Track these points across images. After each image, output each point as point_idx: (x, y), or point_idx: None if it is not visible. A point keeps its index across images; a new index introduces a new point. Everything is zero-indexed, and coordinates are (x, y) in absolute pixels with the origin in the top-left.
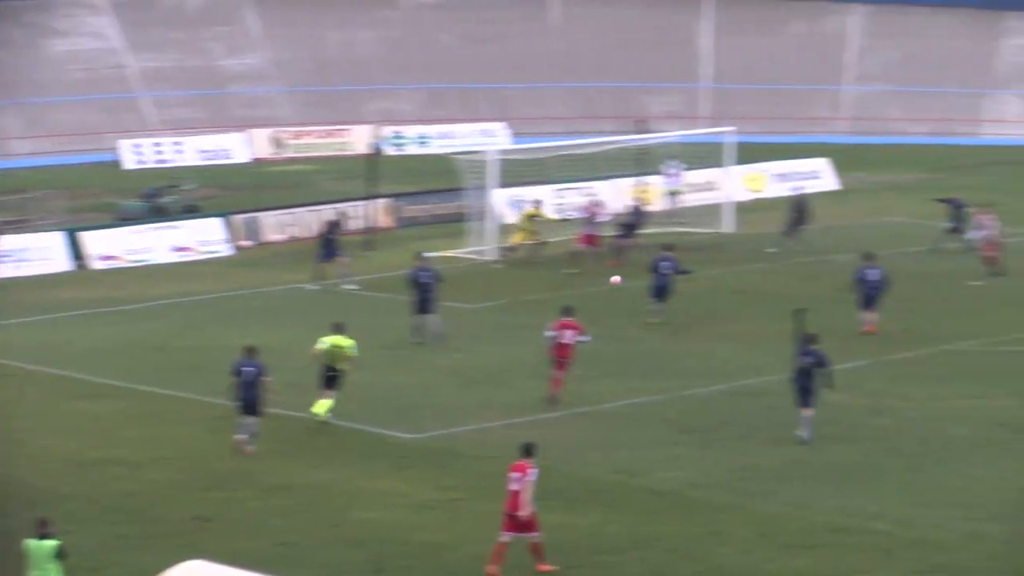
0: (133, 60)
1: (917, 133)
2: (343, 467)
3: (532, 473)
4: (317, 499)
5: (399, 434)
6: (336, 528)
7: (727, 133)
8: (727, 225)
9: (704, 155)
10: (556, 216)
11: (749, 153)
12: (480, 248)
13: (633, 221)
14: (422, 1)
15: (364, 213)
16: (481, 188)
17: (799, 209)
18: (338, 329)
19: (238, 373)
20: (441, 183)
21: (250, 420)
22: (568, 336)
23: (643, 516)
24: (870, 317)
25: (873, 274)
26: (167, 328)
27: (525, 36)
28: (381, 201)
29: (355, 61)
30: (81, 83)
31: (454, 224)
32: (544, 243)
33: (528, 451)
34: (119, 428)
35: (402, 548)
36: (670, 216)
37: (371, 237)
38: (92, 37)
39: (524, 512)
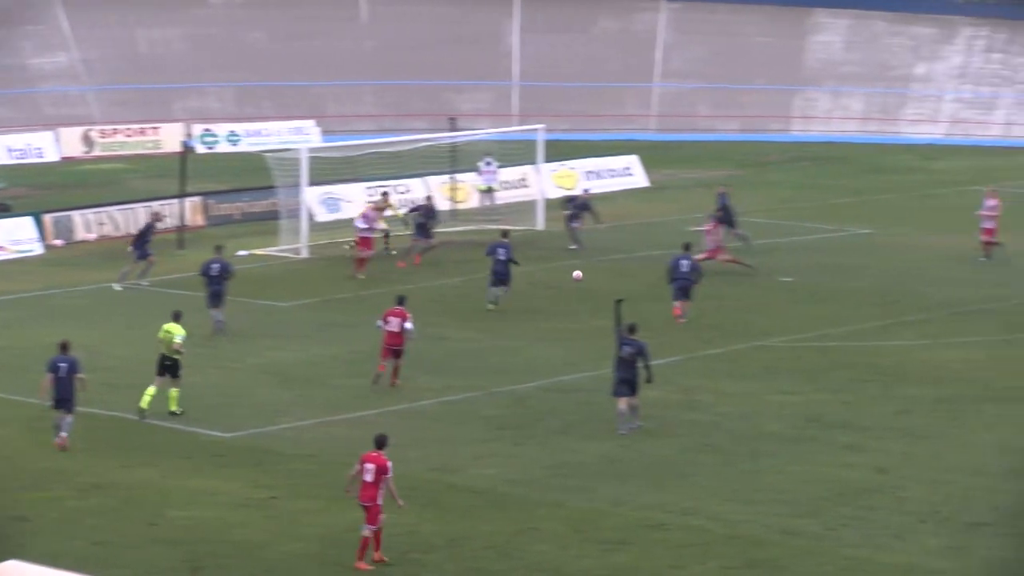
0: None
1: (727, 130)
2: (159, 466)
3: (390, 465)
4: (133, 498)
5: (215, 433)
6: (153, 527)
7: (537, 131)
8: (538, 222)
9: (515, 153)
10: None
11: (560, 150)
12: (293, 246)
13: (424, 221)
14: None
15: (175, 212)
16: (293, 186)
17: (580, 208)
18: (176, 317)
19: (54, 369)
20: (253, 181)
21: (65, 417)
22: (395, 324)
23: (459, 514)
24: (682, 305)
25: (685, 264)
26: None
27: (336, 34)
28: (192, 199)
29: (165, 59)
30: None
31: (266, 222)
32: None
33: (380, 443)
34: None
35: (219, 546)
36: (486, 213)
37: (182, 236)
38: None
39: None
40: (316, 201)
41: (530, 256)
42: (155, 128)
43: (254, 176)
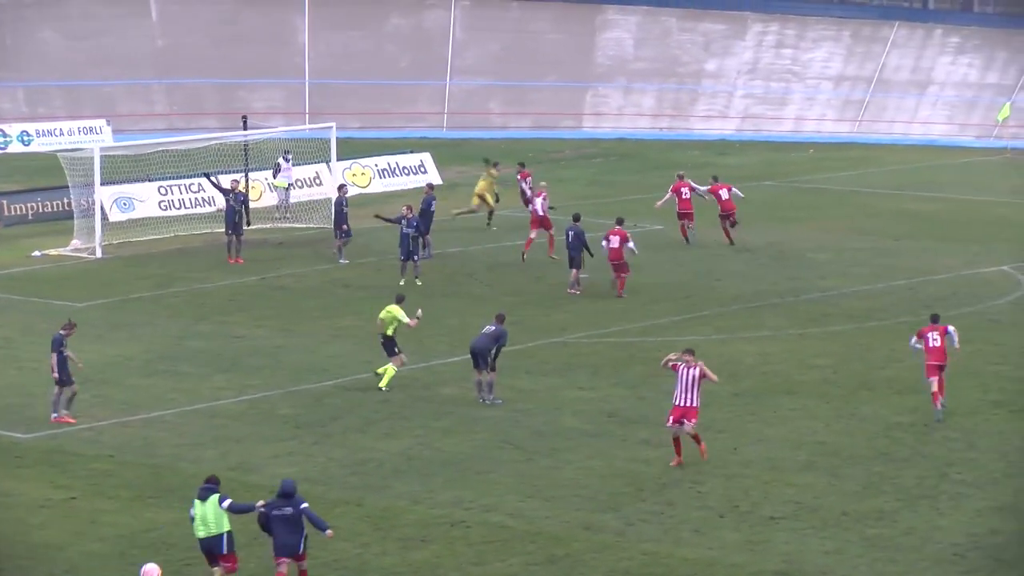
0: None
1: (519, 127)
2: None
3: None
4: None
5: (12, 434)
6: None
7: (329, 128)
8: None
9: (308, 151)
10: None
11: (353, 148)
12: (86, 245)
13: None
14: None
15: None
16: (86, 185)
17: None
18: (399, 300)
19: None
20: (46, 181)
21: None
22: (615, 241)
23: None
24: (575, 274)
25: (571, 234)
26: None
27: (127, 32)
28: None
29: None
30: None
31: (60, 222)
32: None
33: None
34: None
35: (18, 548)
36: (282, 211)
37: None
38: None
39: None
40: (109, 200)
41: (324, 255)
42: None
43: (47, 176)
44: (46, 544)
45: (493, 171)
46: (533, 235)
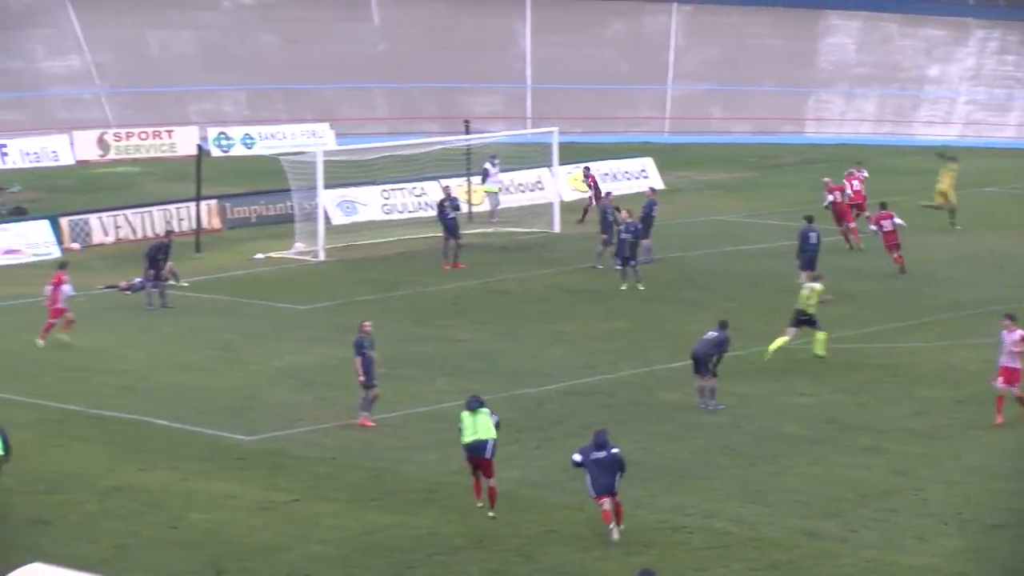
0: None
1: (740, 132)
2: (179, 469)
3: None
4: (154, 501)
5: (235, 436)
6: (174, 530)
7: (551, 133)
8: (554, 225)
9: (528, 155)
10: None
11: (574, 153)
12: (308, 248)
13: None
14: (242, 2)
15: (191, 215)
16: (308, 189)
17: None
18: (814, 279)
19: None
20: (267, 184)
21: None
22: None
23: (480, 516)
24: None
25: (813, 236)
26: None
27: (349, 37)
28: (209, 202)
29: (177, 62)
30: None
31: (282, 225)
32: None
33: None
34: None
35: (240, 550)
36: (491, 215)
37: (199, 239)
38: None
39: None
40: (332, 204)
41: (545, 259)
42: (169, 131)
43: (269, 179)
44: (268, 546)
45: (952, 165)
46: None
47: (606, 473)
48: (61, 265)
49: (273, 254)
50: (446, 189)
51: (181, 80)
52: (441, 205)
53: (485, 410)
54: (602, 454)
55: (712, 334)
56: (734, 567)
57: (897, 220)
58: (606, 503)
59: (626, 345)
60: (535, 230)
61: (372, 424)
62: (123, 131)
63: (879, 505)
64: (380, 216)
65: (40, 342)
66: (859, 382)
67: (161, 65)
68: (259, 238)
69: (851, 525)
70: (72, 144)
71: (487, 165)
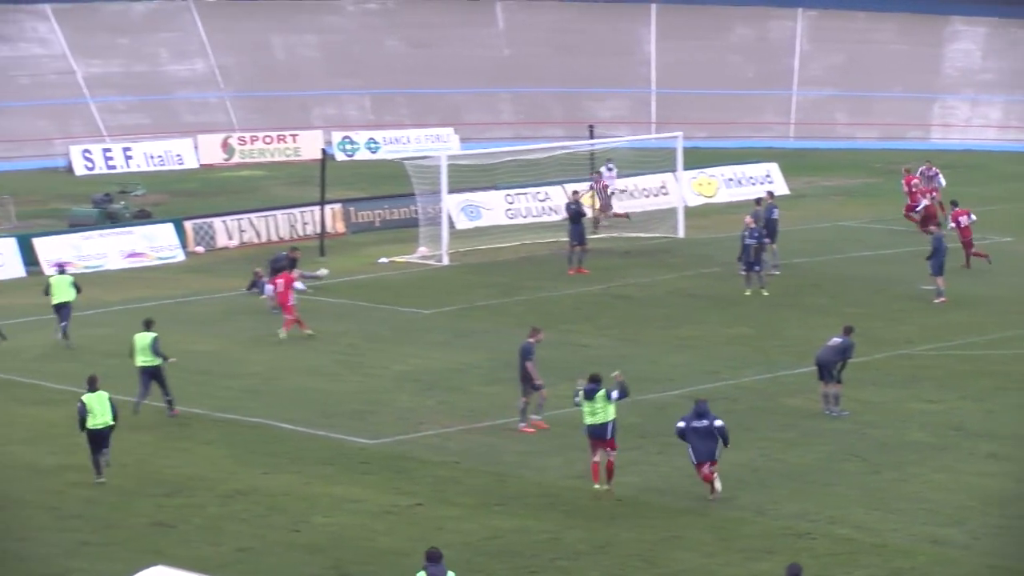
0: (78, 66)
1: (865, 137)
2: (302, 472)
3: None
4: (276, 505)
5: (358, 439)
6: (296, 534)
7: (675, 138)
8: (679, 230)
9: (652, 160)
10: None
11: (698, 158)
12: (432, 252)
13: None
14: (367, 6)
15: (315, 219)
16: (432, 193)
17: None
18: None
19: None
20: (391, 188)
21: None
22: None
23: (602, 521)
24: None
25: (943, 242)
26: (119, 334)
27: (473, 41)
28: (333, 206)
29: (301, 66)
30: (27, 89)
31: (406, 229)
32: None
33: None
34: (75, 435)
35: (363, 554)
36: (597, 222)
37: (323, 243)
38: (36, 43)
39: None
40: (456, 208)
41: (668, 264)
42: (293, 135)
43: (392, 183)
44: (390, 550)
45: None
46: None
47: (706, 441)
48: (292, 263)
49: (397, 258)
50: (574, 194)
51: (305, 84)
52: (568, 208)
53: (601, 391)
54: (703, 423)
55: (836, 340)
56: (857, 574)
57: (973, 216)
58: (705, 468)
59: (749, 351)
60: (659, 235)
61: (545, 426)
62: (247, 135)
63: (1004, 512)
64: (504, 220)
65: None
66: (985, 389)
67: (285, 69)
68: (383, 242)
69: (975, 532)
70: (196, 148)
71: (603, 169)
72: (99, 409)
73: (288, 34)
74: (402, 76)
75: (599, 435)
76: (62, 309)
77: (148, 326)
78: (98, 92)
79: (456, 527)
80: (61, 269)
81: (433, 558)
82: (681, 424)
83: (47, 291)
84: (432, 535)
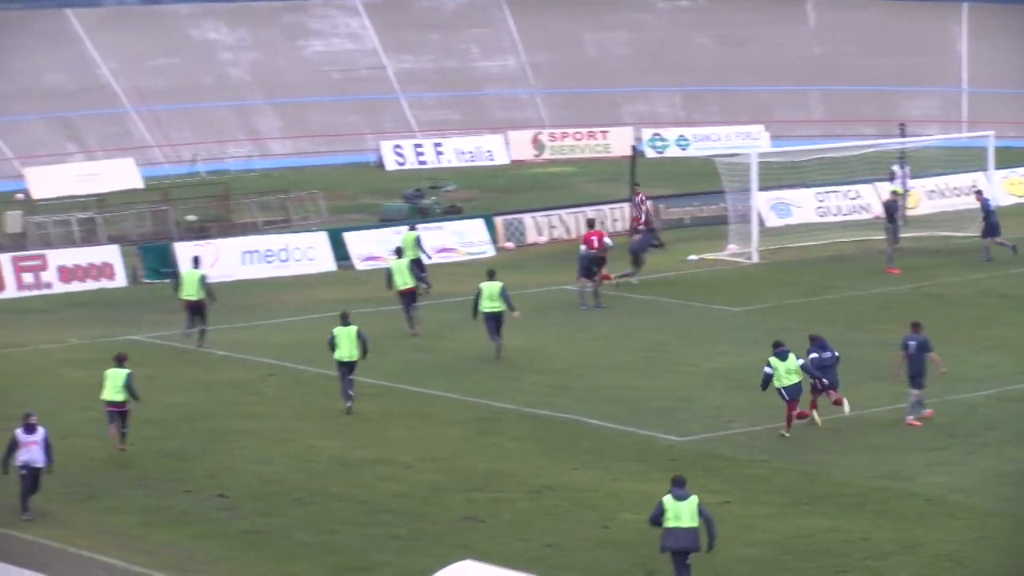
0: (389, 61)
1: None
2: (609, 469)
3: None
4: (584, 501)
5: (667, 436)
6: (604, 530)
7: (986, 137)
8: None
9: (963, 159)
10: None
11: (1010, 158)
12: (742, 250)
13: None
14: (678, 4)
15: (625, 215)
16: (742, 191)
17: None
18: None
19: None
20: (700, 185)
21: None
22: None
23: (910, 521)
24: None
25: None
26: (439, 329)
27: (782, 39)
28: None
29: (611, 63)
30: (338, 84)
31: (715, 227)
32: None
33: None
34: (385, 428)
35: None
36: (934, 219)
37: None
38: (348, 38)
39: None
40: (766, 206)
41: (979, 263)
42: (604, 132)
43: (702, 180)
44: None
45: None
46: None
47: (829, 372)
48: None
49: (706, 255)
50: (892, 193)
51: (616, 81)
52: (886, 206)
53: (792, 355)
54: (826, 355)
55: None
56: None
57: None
58: (832, 395)
59: None
60: (969, 234)
61: (919, 424)
62: (558, 131)
63: None
64: (814, 219)
65: None
66: None
67: (596, 66)
68: (692, 239)
69: None
70: (507, 144)
71: (895, 167)
72: (347, 343)
73: (599, 31)
74: (712, 73)
75: (795, 395)
76: (193, 306)
77: (492, 275)
78: (409, 88)
79: (764, 525)
80: (196, 263)
81: (678, 483)
82: (810, 358)
83: (388, 282)
84: (740, 533)
